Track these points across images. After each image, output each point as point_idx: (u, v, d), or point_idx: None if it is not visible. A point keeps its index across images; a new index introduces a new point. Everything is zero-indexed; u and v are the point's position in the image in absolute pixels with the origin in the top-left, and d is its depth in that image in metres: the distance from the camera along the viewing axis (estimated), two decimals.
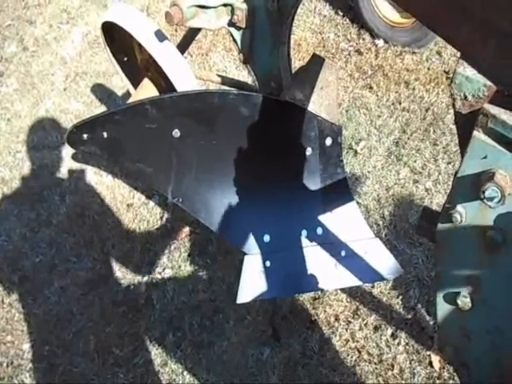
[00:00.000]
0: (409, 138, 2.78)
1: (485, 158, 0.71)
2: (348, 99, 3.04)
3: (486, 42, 0.68)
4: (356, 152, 2.75)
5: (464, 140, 0.75)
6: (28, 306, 2.38)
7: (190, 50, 3.51)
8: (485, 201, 0.69)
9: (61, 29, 4.22)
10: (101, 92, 3.55)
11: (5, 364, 2.20)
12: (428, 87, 3.02)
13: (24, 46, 4.11)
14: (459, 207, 0.75)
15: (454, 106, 0.78)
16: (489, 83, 0.73)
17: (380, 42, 3.37)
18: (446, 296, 0.83)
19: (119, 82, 3.52)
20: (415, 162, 2.65)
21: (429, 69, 3.13)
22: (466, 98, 0.76)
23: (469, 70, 0.74)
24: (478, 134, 0.71)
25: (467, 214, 0.75)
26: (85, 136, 1.46)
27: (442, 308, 0.84)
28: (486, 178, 0.69)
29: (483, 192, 0.68)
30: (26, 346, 2.24)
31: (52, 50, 4.01)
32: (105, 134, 1.46)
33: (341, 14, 3.64)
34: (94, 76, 3.68)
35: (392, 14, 3.30)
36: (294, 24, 1.67)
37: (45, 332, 2.27)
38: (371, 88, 3.10)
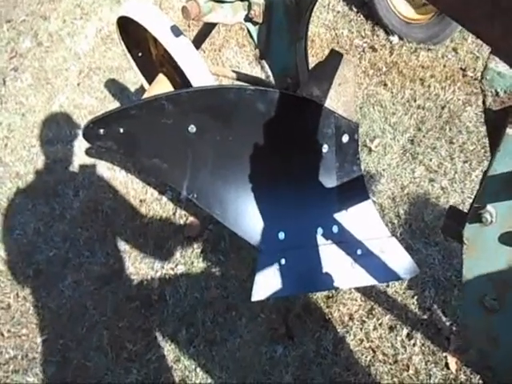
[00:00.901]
0: (424, 136, 2.74)
1: None
2: (362, 96, 3.01)
3: None
4: (370, 150, 2.72)
5: (494, 138, 0.73)
6: (42, 299, 2.40)
7: (203, 46, 3.49)
8: None
9: (74, 24, 4.23)
10: (114, 87, 3.55)
11: (19, 357, 2.22)
12: (444, 84, 2.97)
13: (38, 41, 4.13)
14: (489, 207, 0.73)
15: (484, 102, 0.76)
16: None
17: (395, 39, 3.33)
18: (471, 298, 0.81)
19: (132, 78, 3.53)
20: (431, 160, 2.62)
21: (445, 66, 3.09)
22: (497, 94, 0.74)
23: (501, 66, 0.72)
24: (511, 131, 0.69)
25: (498, 213, 0.73)
26: (101, 131, 1.46)
27: (467, 310, 0.82)
28: None
29: None
30: (40, 340, 2.25)
31: (66, 45, 4.03)
32: (121, 129, 1.46)
33: (355, 10, 3.61)
34: (108, 71, 3.68)
35: (407, 11, 3.26)
36: None
37: (59, 326, 2.28)
38: (386, 85, 3.06)
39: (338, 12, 3.65)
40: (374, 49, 3.32)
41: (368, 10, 3.47)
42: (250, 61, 3.48)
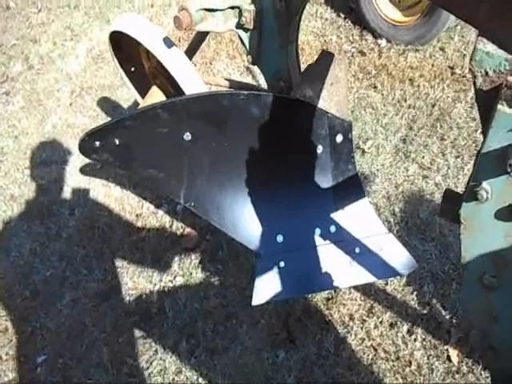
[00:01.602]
0: (416, 135, 2.77)
1: (510, 130, 0.70)
2: (353, 99, 3.04)
3: (505, 16, 0.67)
4: (363, 151, 2.74)
5: (486, 117, 0.74)
6: (40, 319, 2.37)
7: (194, 59, 3.53)
8: None
9: (65, 46, 4.27)
10: (107, 105, 3.57)
11: (19, 379, 2.18)
12: (433, 83, 3.01)
13: (29, 64, 4.16)
14: (485, 184, 0.74)
15: (474, 83, 0.77)
16: (510, 57, 0.72)
17: (383, 42, 3.38)
18: (471, 277, 0.81)
19: (124, 95, 3.55)
20: (423, 157, 2.64)
21: (433, 65, 3.13)
22: (487, 74, 0.75)
23: (489, 46, 0.73)
24: (503, 108, 0.70)
25: (493, 190, 0.74)
26: (97, 143, 1.46)
27: (468, 290, 0.82)
28: None
29: (510, 165, 0.67)
30: (40, 360, 2.22)
31: (57, 66, 4.06)
32: (116, 141, 1.46)
33: (342, 16, 3.67)
34: (100, 90, 3.71)
35: (394, 14, 3.32)
36: None
37: (58, 345, 2.25)
38: (376, 87, 3.10)
39: (326, 19, 3.71)
40: (362, 53, 3.37)
41: (355, 15, 3.53)
42: (241, 72, 3.51)
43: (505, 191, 0.73)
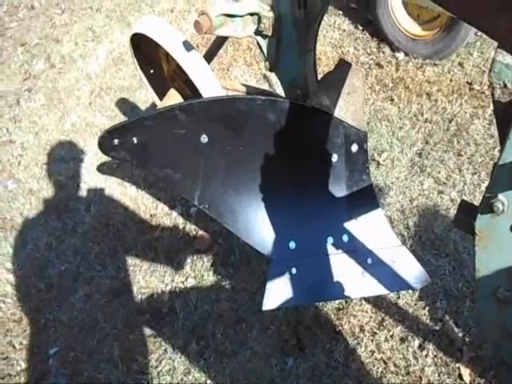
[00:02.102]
0: (432, 149, 2.76)
1: None
2: (369, 111, 3.04)
3: None
4: (378, 163, 2.74)
5: (504, 129, 0.75)
6: (54, 312, 2.41)
7: (212, 65, 3.57)
8: None
9: (86, 46, 4.35)
10: (125, 106, 3.63)
11: (31, 369, 2.22)
12: (451, 98, 3.01)
13: (51, 63, 4.25)
14: (501, 196, 0.74)
15: (492, 95, 0.78)
16: None
17: (400, 55, 3.38)
18: (485, 290, 0.81)
19: (142, 96, 3.60)
20: (439, 172, 2.63)
21: (451, 80, 3.12)
22: (505, 86, 0.76)
23: (508, 58, 0.74)
24: None
25: (509, 202, 0.74)
26: (115, 141, 1.49)
27: (481, 303, 0.82)
28: None
29: None
30: (52, 352, 2.26)
31: (78, 66, 4.14)
32: (135, 140, 1.49)
33: (360, 28, 3.68)
34: (118, 91, 3.77)
35: (413, 27, 3.32)
36: None
37: (70, 338, 2.28)
38: (392, 100, 3.10)
39: (344, 30, 3.72)
40: (380, 65, 3.37)
41: (373, 27, 3.53)
42: (257, 79, 3.54)
43: None
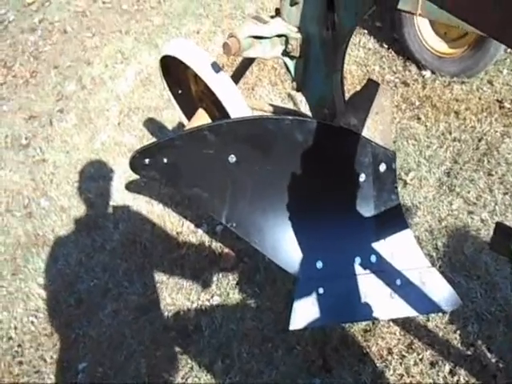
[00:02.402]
0: (461, 169, 2.71)
1: None
2: (395, 130, 3.03)
3: None
4: (406, 182, 2.71)
5: None
6: (83, 327, 2.45)
7: (238, 86, 3.63)
8: None
9: (116, 68, 4.48)
10: (152, 126, 3.70)
11: (61, 383, 2.25)
12: (480, 117, 2.96)
13: (82, 84, 4.39)
14: None
15: None
16: None
17: (427, 73, 3.36)
18: None
19: (170, 116, 3.68)
20: (469, 192, 2.58)
21: (480, 98, 3.08)
22: None
23: None
24: None
25: None
26: (146, 161, 1.51)
27: None
28: None
29: None
30: (81, 367, 2.29)
31: (107, 87, 4.26)
32: (165, 160, 1.51)
33: (385, 46, 3.68)
34: (146, 111, 3.85)
35: (440, 45, 3.29)
36: None
37: (98, 354, 2.31)
38: (419, 119, 3.07)
39: (370, 49, 3.73)
40: (406, 84, 3.36)
41: (399, 45, 3.53)
42: (282, 98, 3.57)
43: None
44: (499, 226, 0.89)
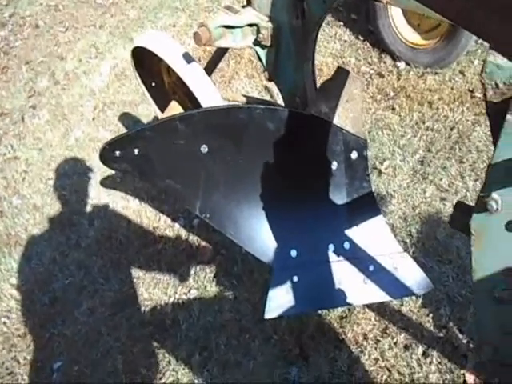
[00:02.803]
0: (434, 157, 2.76)
1: None
2: (370, 121, 3.06)
3: None
4: (380, 171, 2.74)
5: (496, 129, 0.75)
6: (58, 326, 2.41)
7: (213, 78, 3.61)
8: None
9: (90, 63, 4.41)
10: (128, 120, 3.66)
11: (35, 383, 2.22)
12: (452, 106, 3.01)
13: (55, 80, 4.30)
14: (494, 195, 0.74)
15: (485, 96, 0.78)
16: None
17: (401, 65, 3.40)
18: (482, 291, 0.81)
19: (145, 111, 3.64)
20: (441, 180, 2.62)
21: (452, 88, 3.13)
22: (497, 86, 0.76)
23: (499, 59, 0.75)
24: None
25: (503, 200, 0.74)
26: (117, 153, 1.49)
27: (479, 304, 0.82)
28: None
29: None
30: (56, 366, 2.25)
31: (81, 82, 4.19)
32: (136, 151, 1.49)
33: (361, 38, 3.71)
34: (121, 106, 3.80)
35: (413, 37, 3.34)
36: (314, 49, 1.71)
37: (74, 352, 2.28)
38: (394, 109, 3.11)
39: (345, 41, 3.75)
40: (381, 75, 3.39)
41: (374, 38, 3.56)
42: (259, 91, 3.57)
43: None
44: (459, 204, 0.91)
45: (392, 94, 3.23)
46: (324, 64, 3.55)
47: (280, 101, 1.98)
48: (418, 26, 3.34)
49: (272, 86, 3.21)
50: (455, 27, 2.95)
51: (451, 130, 2.89)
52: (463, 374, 1.89)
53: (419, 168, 2.73)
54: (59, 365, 2.26)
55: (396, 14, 3.34)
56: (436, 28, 3.26)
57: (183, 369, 2.11)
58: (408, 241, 2.36)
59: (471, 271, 0.81)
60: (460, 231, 0.88)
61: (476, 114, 2.93)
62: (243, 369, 2.05)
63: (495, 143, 0.76)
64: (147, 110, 3.59)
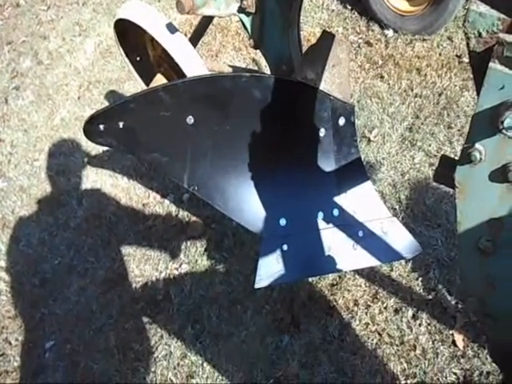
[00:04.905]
0: (422, 123, 2.75)
1: (502, 88, 0.69)
2: (359, 89, 3.03)
3: None
4: (369, 140, 2.73)
5: (479, 79, 0.73)
6: (49, 307, 2.40)
7: (200, 52, 3.55)
8: (504, 131, 0.67)
9: (74, 41, 4.31)
10: (114, 98, 3.60)
11: (28, 364, 2.22)
12: (440, 72, 2.99)
13: (38, 60, 4.21)
14: (478, 145, 0.73)
15: (468, 45, 0.77)
16: (503, 16, 0.71)
17: (389, 33, 3.36)
18: (467, 243, 0.80)
19: (131, 88, 3.58)
20: (430, 145, 2.62)
21: (440, 54, 3.11)
22: (480, 35, 0.75)
23: (482, 7, 0.73)
24: (494, 65, 0.70)
25: (487, 151, 0.73)
26: (101, 127, 1.44)
27: (464, 256, 0.81)
28: (505, 108, 0.67)
29: (502, 122, 0.67)
30: (48, 346, 2.26)
31: (65, 61, 4.10)
32: (120, 124, 1.44)
33: (349, 7, 3.65)
34: (107, 83, 3.74)
35: (401, 4, 3.30)
36: (302, 20, 1.67)
37: (66, 331, 2.28)
38: (382, 77, 3.08)
39: (333, 11, 3.69)
40: (369, 44, 3.35)
41: (362, 6, 3.50)
42: (247, 63, 3.52)
43: (498, 151, 0.72)
44: (443, 158, 0.90)
45: (380, 62, 3.20)
46: (312, 34, 3.49)
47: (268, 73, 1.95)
48: None
49: (260, 58, 3.17)
50: None
51: (439, 96, 2.87)
52: (452, 334, 1.94)
53: (408, 135, 2.72)
54: (51, 344, 2.26)
55: None
56: None
57: (176, 342, 2.12)
58: (397, 207, 2.37)
59: (456, 224, 0.81)
60: (445, 185, 0.87)
61: (464, 80, 2.92)
62: (235, 339, 2.07)
63: (478, 93, 0.74)
64: (134, 88, 3.53)
